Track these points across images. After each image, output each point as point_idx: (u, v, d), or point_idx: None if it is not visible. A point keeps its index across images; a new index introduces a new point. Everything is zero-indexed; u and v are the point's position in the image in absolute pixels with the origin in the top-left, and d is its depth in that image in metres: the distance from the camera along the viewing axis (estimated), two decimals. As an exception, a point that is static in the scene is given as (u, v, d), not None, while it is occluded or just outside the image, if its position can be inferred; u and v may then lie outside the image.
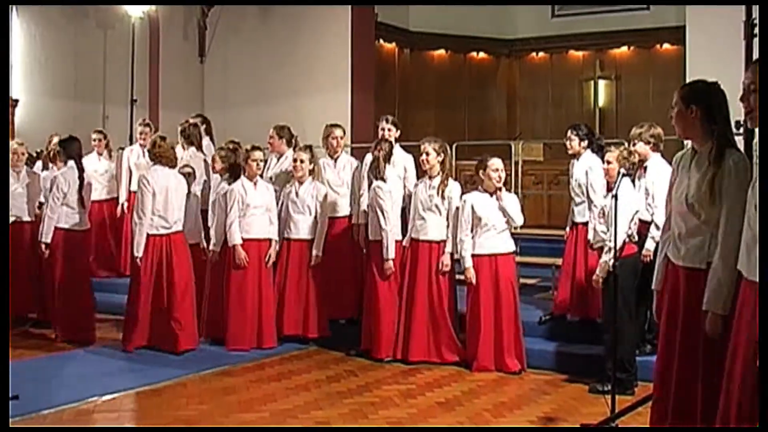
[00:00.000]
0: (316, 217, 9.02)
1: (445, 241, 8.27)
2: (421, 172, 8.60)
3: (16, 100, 13.23)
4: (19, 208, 9.93)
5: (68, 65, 14.83)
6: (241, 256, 8.72)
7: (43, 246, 9.10)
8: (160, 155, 8.81)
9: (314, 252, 8.99)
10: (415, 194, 8.38)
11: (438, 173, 8.30)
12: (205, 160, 10.45)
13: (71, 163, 9.35)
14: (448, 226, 8.27)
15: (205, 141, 11.21)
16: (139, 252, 8.60)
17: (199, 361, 8.30)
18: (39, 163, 10.73)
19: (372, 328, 8.40)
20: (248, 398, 7.11)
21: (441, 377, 7.83)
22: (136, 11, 14.46)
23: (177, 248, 8.75)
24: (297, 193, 9.02)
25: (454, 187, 8.35)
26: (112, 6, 14.76)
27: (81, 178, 9.33)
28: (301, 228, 9.01)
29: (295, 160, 9.07)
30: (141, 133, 11.51)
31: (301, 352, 8.82)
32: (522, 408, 6.90)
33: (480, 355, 8.02)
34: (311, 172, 9.04)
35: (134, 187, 11.24)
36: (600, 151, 8.23)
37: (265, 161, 9.55)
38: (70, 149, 9.43)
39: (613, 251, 6.38)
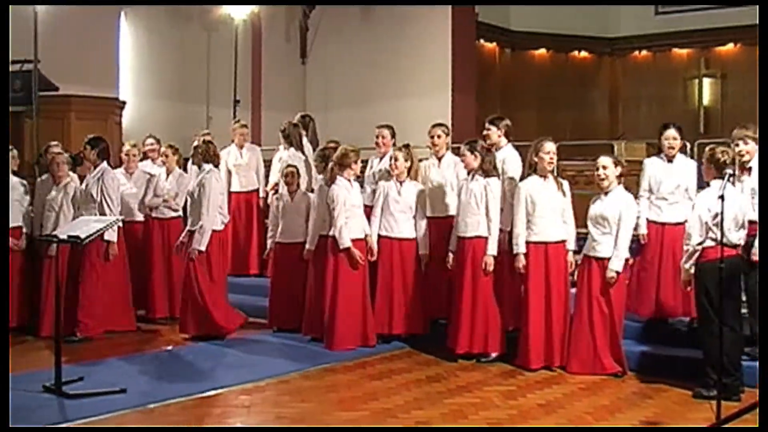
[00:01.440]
0: (417, 217, 9.03)
1: (565, 241, 8.19)
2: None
3: (124, 102, 13.52)
4: (130, 209, 10.19)
5: (173, 68, 15.13)
6: (356, 257, 8.77)
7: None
8: (213, 156, 9.25)
9: (422, 251, 9.01)
10: (529, 195, 8.21)
11: (552, 174, 8.24)
12: (306, 161, 10.57)
13: (105, 164, 9.49)
14: (565, 223, 8.21)
15: (304, 141, 11.31)
16: (202, 246, 9.01)
17: (302, 359, 8.39)
18: (146, 163, 10.93)
19: (474, 325, 8.33)
20: (350, 396, 7.15)
21: (542, 379, 7.76)
22: (239, 14, 14.67)
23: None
24: (399, 192, 9.03)
25: (566, 186, 8.28)
26: (216, 9, 14.99)
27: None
28: (403, 227, 9.02)
29: (391, 159, 9.11)
30: (240, 134, 11.64)
31: (402, 351, 8.83)
32: (624, 412, 6.79)
33: (573, 356, 7.96)
34: (410, 170, 9.04)
35: (234, 188, 11.45)
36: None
37: (365, 162, 9.59)
38: (101, 150, 9.54)
39: (720, 251, 6.24)
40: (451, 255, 8.60)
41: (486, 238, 8.27)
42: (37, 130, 11.65)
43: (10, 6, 12.41)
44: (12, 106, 12.33)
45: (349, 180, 8.93)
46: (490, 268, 8.24)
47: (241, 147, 11.56)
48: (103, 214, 9.12)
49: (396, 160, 9.04)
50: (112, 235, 9.28)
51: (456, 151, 9.11)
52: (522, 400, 7.07)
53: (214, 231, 9.17)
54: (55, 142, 10.05)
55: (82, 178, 9.97)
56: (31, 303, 9.66)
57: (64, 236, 7.44)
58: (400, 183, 9.02)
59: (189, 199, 9.42)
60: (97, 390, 7.07)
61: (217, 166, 9.48)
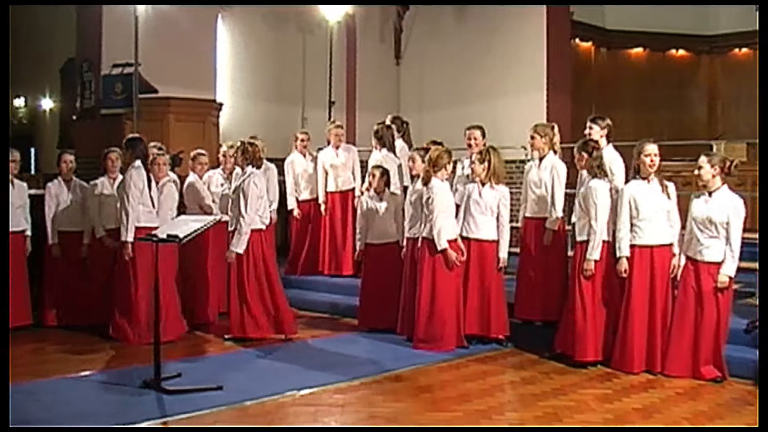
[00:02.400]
0: (498, 218, 8.99)
1: (672, 244, 8.07)
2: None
3: (221, 104, 13.70)
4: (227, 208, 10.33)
5: (269, 69, 15.30)
6: (452, 258, 8.76)
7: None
8: (257, 158, 9.35)
9: (501, 255, 8.97)
10: (633, 198, 8.12)
11: (657, 176, 8.11)
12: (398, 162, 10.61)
13: (138, 162, 9.45)
14: (671, 227, 8.07)
15: (399, 143, 11.34)
16: (240, 248, 9.07)
17: (396, 359, 8.42)
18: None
19: (585, 330, 8.25)
20: (443, 397, 7.15)
21: (638, 383, 7.65)
22: (334, 15, 14.75)
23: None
24: (480, 194, 9.01)
25: (672, 188, 8.13)
26: (311, 11, 15.10)
27: (149, 177, 9.50)
28: (483, 228, 9.00)
29: (409, 159, 9.13)
30: (335, 135, 11.71)
31: (496, 353, 8.80)
32: (723, 418, 6.66)
33: (673, 360, 7.83)
34: (489, 173, 9.00)
35: (330, 188, 11.52)
36: None
37: (455, 162, 9.58)
38: (137, 149, 9.53)
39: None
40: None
41: (587, 242, 8.20)
42: (137, 132, 11.89)
43: (113, 10, 12.81)
44: (114, 108, 12.64)
45: (443, 181, 8.92)
46: (587, 273, 8.17)
47: (336, 147, 11.62)
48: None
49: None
50: (127, 236, 9.25)
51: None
52: (618, 404, 6.98)
53: (253, 230, 9.24)
54: (156, 143, 10.22)
55: (182, 178, 10.17)
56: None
57: (163, 235, 7.57)
58: (482, 185, 8.99)
59: (229, 201, 9.49)
60: (194, 386, 7.20)
61: (259, 168, 9.51)
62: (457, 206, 9.20)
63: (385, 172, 9.85)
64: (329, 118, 13.92)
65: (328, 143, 11.73)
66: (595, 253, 8.09)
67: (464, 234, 9.04)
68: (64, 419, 6.42)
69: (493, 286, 8.97)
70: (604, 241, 8.14)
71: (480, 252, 8.99)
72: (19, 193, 9.89)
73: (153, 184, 9.50)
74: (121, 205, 9.27)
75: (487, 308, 8.97)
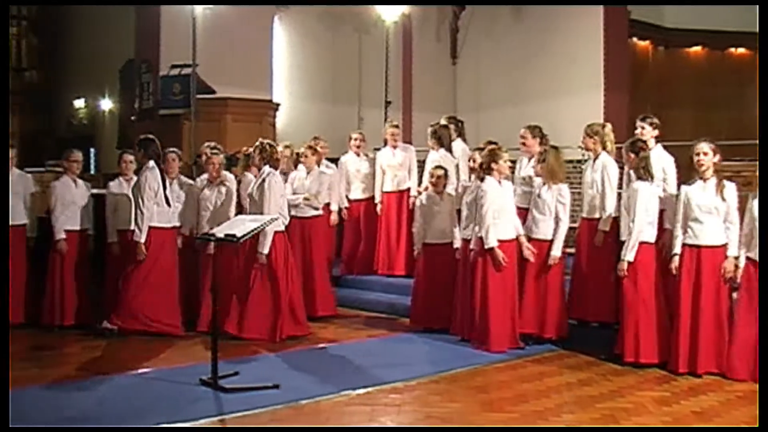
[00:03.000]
0: (557, 217, 8.93)
1: (725, 245, 7.95)
2: (691, 174, 8.25)
3: (278, 104, 13.78)
4: (281, 207, 10.37)
5: (326, 70, 15.37)
6: (499, 258, 8.73)
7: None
8: (274, 159, 9.45)
9: (552, 253, 8.91)
10: (687, 197, 8.03)
11: (712, 174, 7.99)
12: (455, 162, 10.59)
13: (152, 163, 9.60)
14: (727, 229, 7.96)
15: (457, 142, 11.31)
16: (266, 249, 9.20)
17: (452, 360, 8.39)
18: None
19: (638, 332, 8.17)
20: (499, 398, 7.12)
21: (697, 386, 7.54)
22: (390, 15, 14.76)
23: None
24: (540, 194, 8.98)
25: (730, 188, 8.00)
26: (367, 11, 15.13)
27: (163, 177, 9.60)
28: (542, 228, 8.96)
29: (470, 159, 9.18)
30: (391, 135, 11.71)
31: (552, 353, 8.73)
32: (786, 421, 6.56)
33: (737, 362, 7.72)
34: (547, 172, 8.95)
35: (387, 187, 11.53)
36: None
37: (514, 162, 9.56)
38: (150, 150, 9.66)
39: None
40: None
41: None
42: (195, 132, 12.01)
43: (171, 11, 12.95)
44: (172, 108, 12.78)
45: (499, 180, 8.89)
46: (621, 274, 8.12)
47: (394, 147, 11.63)
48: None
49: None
50: (139, 236, 9.41)
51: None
52: (676, 407, 6.89)
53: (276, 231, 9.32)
54: (211, 143, 10.30)
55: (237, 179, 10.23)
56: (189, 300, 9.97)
57: (221, 235, 7.63)
58: (543, 184, 8.95)
59: (249, 201, 9.53)
60: (251, 385, 7.25)
61: (276, 168, 9.57)
62: (519, 207, 9.17)
63: (446, 172, 9.86)
64: (385, 118, 13.94)
65: (385, 143, 11.74)
66: (629, 254, 8.04)
67: (526, 233, 9.02)
68: (120, 415, 6.51)
69: (551, 287, 8.92)
70: (647, 243, 8.07)
71: (539, 252, 8.95)
72: (81, 192, 10.04)
73: (168, 183, 9.64)
74: (136, 205, 9.45)
75: (543, 308, 8.92)
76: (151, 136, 9.86)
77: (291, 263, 9.59)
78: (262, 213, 9.11)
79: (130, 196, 9.82)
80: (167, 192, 9.59)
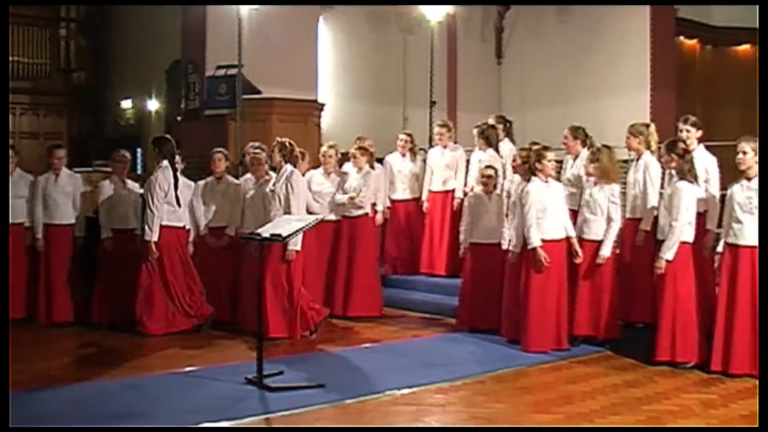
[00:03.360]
0: (608, 218, 8.87)
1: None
2: (737, 173, 8.15)
3: (323, 105, 13.81)
4: (325, 207, 10.42)
5: (371, 70, 15.39)
6: (541, 258, 8.69)
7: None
8: (294, 157, 9.47)
9: (601, 252, 8.83)
10: (731, 196, 7.95)
11: (756, 173, 7.89)
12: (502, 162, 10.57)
13: (165, 162, 9.64)
14: None
15: (504, 142, 11.27)
16: (298, 245, 9.21)
17: (497, 360, 8.36)
18: (347, 165, 11.14)
19: (674, 331, 8.09)
20: (544, 399, 7.09)
21: (744, 389, 7.43)
22: (435, 15, 14.74)
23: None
24: (591, 194, 8.92)
25: None
26: (412, 11, 15.13)
27: (175, 177, 9.65)
28: (593, 229, 8.89)
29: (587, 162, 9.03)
30: (438, 135, 11.69)
31: (599, 355, 8.66)
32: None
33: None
34: (599, 172, 8.89)
35: (433, 187, 11.51)
36: None
37: (560, 162, 9.51)
38: (164, 149, 9.72)
39: None
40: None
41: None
42: (240, 132, 12.08)
43: (217, 12, 13.03)
44: (218, 109, 12.86)
45: (546, 180, 8.84)
46: (658, 272, 8.06)
47: (444, 146, 11.60)
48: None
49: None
50: (151, 236, 9.49)
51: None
52: (723, 410, 6.80)
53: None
54: (255, 143, 10.35)
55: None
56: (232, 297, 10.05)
57: (266, 234, 7.66)
58: (595, 184, 8.90)
59: (274, 198, 9.51)
60: (296, 384, 7.28)
61: (295, 165, 9.56)
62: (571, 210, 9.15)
63: (496, 172, 9.84)
64: (430, 118, 13.92)
65: (431, 143, 11.72)
66: (669, 253, 7.98)
67: (578, 234, 8.96)
68: (167, 413, 6.56)
69: (604, 287, 8.85)
70: (686, 243, 8.02)
71: (592, 253, 8.89)
72: (128, 192, 10.15)
73: (180, 183, 9.73)
74: (146, 205, 9.55)
75: (597, 310, 8.85)
76: (167, 135, 9.99)
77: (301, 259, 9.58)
78: (288, 211, 9.17)
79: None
80: (178, 192, 9.68)
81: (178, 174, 9.73)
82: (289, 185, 9.30)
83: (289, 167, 9.42)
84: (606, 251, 8.80)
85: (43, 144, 19.61)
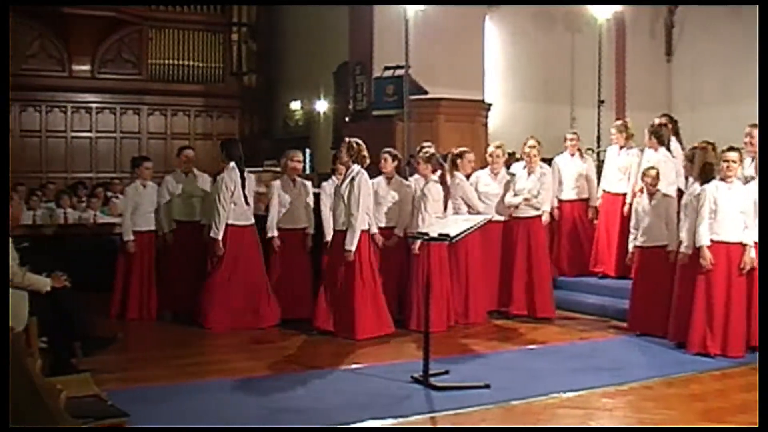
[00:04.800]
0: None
1: None
2: None
3: (489, 104, 13.78)
4: (491, 208, 10.42)
5: (538, 69, 15.30)
6: (707, 258, 8.45)
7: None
8: (362, 157, 9.44)
9: (744, 257, 8.53)
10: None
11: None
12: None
13: (233, 164, 9.92)
14: None
15: (673, 142, 11.01)
16: (353, 246, 9.23)
17: (666, 365, 8.17)
18: (515, 165, 11.08)
19: None
20: (717, 407, 6.86)
21: None
22: (603, 13, 14.52)
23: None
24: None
25: None
26: (580, 10, 14.94)
27: (243, 177, 9.89)
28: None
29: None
30: (615, 136, 11.49)
31: (773, 362, 8.37)
32: None
33: None
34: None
35: (608, 188, 11.34)
36: None
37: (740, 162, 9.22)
38: (231, 151, 10.02)
39: None
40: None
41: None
42: (408, 133, 12.17)
43: (383, 14, 13.18)
44: (385, 110, 13.01)
45: (726, 181, 8.56)
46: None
47: (621, 147, 11.42)
48: None
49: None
50: (216, 234, 9.82)
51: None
52: None
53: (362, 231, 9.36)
54: (427, 143, 10.40)
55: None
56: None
57: (434, 234, 7.70)
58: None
59: (342, 198, 9.50)
60: (462, 383, 7.29)
61: (363, 166, 9.49)
62: None
63: (658, 173, 9.61)
64: (598, 118, 13.71)
65: (599, 143, 11.55)
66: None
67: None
68: (335, 409, 6.67)
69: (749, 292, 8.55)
70: None
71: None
72: (299, 191, 10.36)
73: (247, 183, 10.05)
74: (215, 204, 9.86)
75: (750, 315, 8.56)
76: (234, 137, 10.25)
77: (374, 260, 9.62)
78: (351, 212, 9.28)
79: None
80: (245, 191, 9.97)
81: (245, 174, 10.10)
82: (352, 186, 9.33)
83: (356, 168, 9.45)
84: (748, 255, 8.49)
85: (216, 145, 20.29)
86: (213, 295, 9.91)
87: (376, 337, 9.27)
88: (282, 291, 10.20)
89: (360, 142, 9.60)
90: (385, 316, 9.51)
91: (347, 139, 9.69)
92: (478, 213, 9.98)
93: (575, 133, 11.88)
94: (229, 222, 9.91)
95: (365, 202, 9.41)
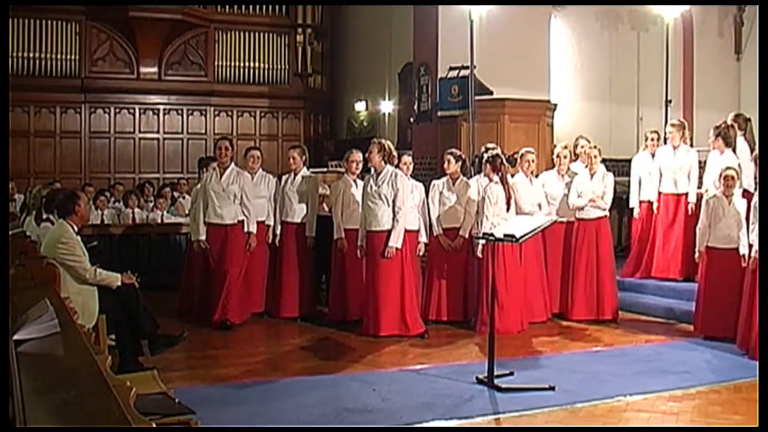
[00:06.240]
0: None
1: None
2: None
3: (555, 105, 13.70)
4: (555, 208, 10.39)
5: (603, 68, 15.17)
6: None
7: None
8: (392, 157, 9.54)
9: None
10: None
11: None
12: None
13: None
14: None
15: (739, 140, 10.82)
16: (399, 243, 9.32)
17: (733, 370, 8.06)
18: (575, 164, 11.02)
19: None
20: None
21: None
22: (671, 12, 14.34)
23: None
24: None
25: None
26: (646, 9, 14.79)
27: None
28: None
29: None
30: (670, 135, 11.37)
31: None
32: None
33: None
34: None
35: (663, 188, 11.22)
36: None
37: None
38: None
39: None
40: None
41: None
42: (472, 133, 12.16)
43: (448, 15, 13.17)
44: (450, 110, 13.00)
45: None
46: None
47: (674, 147, 11.29)
48: None
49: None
50: (251, 227, 10.17)
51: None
52: None
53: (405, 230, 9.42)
54: (491, 144, 10.39)
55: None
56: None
57: (500, 234, 7.69)
58: None
59: (379, 198, 9.48)
60: (527, 385, 7.28)
61: (395, 166, 9.52)
62: None
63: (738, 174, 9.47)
64: (665, 118, 13.55)
65: (666, 143, 11.43)
66: None
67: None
68: (399, 409, 6.70)
69: None
70: None
71: None
72: (361, 192, 10.39)
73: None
74: (242, 201, 10.17)
75: None
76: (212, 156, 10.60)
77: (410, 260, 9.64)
78: (394, 212, 9.35)
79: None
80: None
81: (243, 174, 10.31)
82: (395, 186, 9.38)
83: (391, 168, 9.51)
84: None
85: (281, 145, 20.45)
86: (230, 288, 10.03)
87: (398, 335, 9.35)
88: (340, 291, 10.31)
89: (390, 143, 9.73)
90: (414, 316, 9.55)
91: (376, 140, 9.76)
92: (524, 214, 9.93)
93: (655, 132, 11.75)
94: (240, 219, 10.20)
95: (408, 200, 9.56)
